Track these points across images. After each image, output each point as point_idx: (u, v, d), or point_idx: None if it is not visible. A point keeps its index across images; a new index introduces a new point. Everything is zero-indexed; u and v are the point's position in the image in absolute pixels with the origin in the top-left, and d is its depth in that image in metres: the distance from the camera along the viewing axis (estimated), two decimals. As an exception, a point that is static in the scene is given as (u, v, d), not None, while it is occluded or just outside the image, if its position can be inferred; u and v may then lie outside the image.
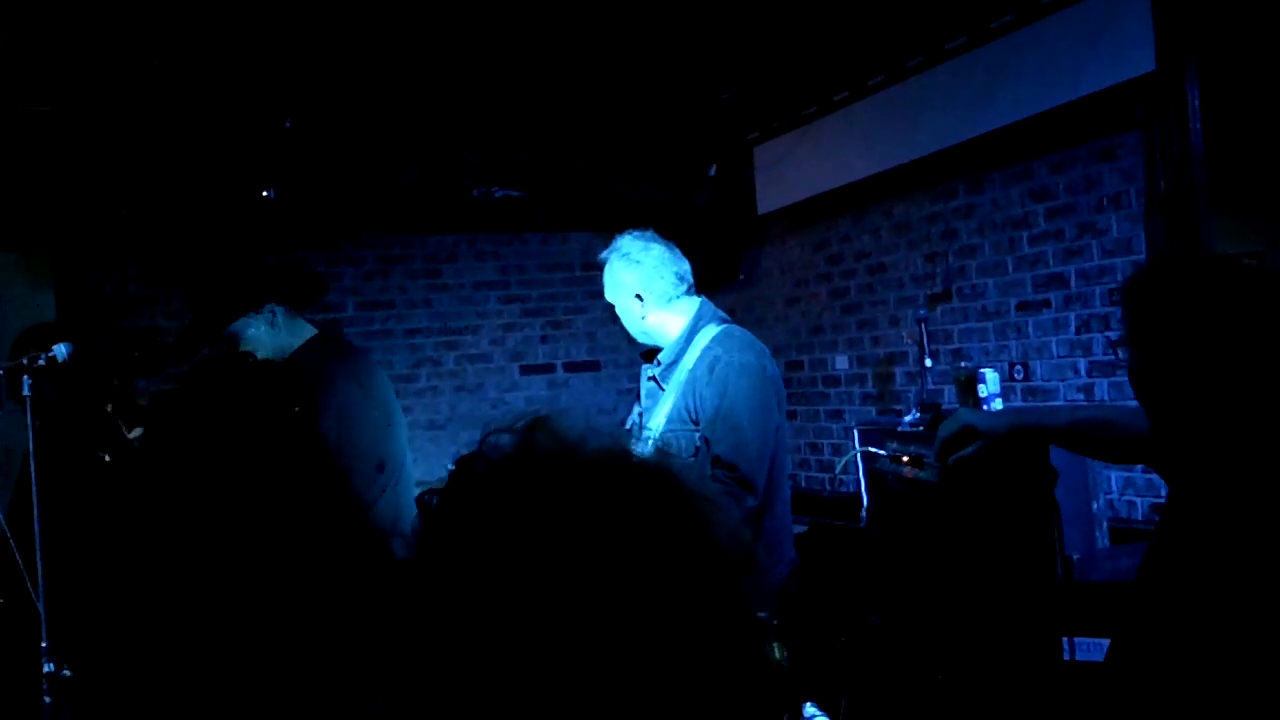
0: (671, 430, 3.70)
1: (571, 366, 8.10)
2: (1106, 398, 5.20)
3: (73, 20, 4.57)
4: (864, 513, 5.01)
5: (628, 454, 1.09)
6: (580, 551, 0.99)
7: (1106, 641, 2.66)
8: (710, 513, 1.06)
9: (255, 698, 1.95)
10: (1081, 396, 5.36)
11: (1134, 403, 2.46)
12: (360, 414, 3.74)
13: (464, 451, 1.16)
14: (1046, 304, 5.53)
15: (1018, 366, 5.67)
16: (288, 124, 5.80)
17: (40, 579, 3.62)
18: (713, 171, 7.15)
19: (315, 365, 3.74)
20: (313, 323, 3.91)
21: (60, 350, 3.85)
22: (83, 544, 3.68)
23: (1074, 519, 4.09)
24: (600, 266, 4.03)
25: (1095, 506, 4.30)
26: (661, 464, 1.09)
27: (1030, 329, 5.65)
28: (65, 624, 3.57)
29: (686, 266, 3.91)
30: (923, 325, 5.72)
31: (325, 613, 1.96)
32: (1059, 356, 5.49)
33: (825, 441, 7.24)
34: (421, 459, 7.24)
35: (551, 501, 1.03)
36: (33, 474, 3.69)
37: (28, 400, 3.85)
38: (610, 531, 1.01)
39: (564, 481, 1.04)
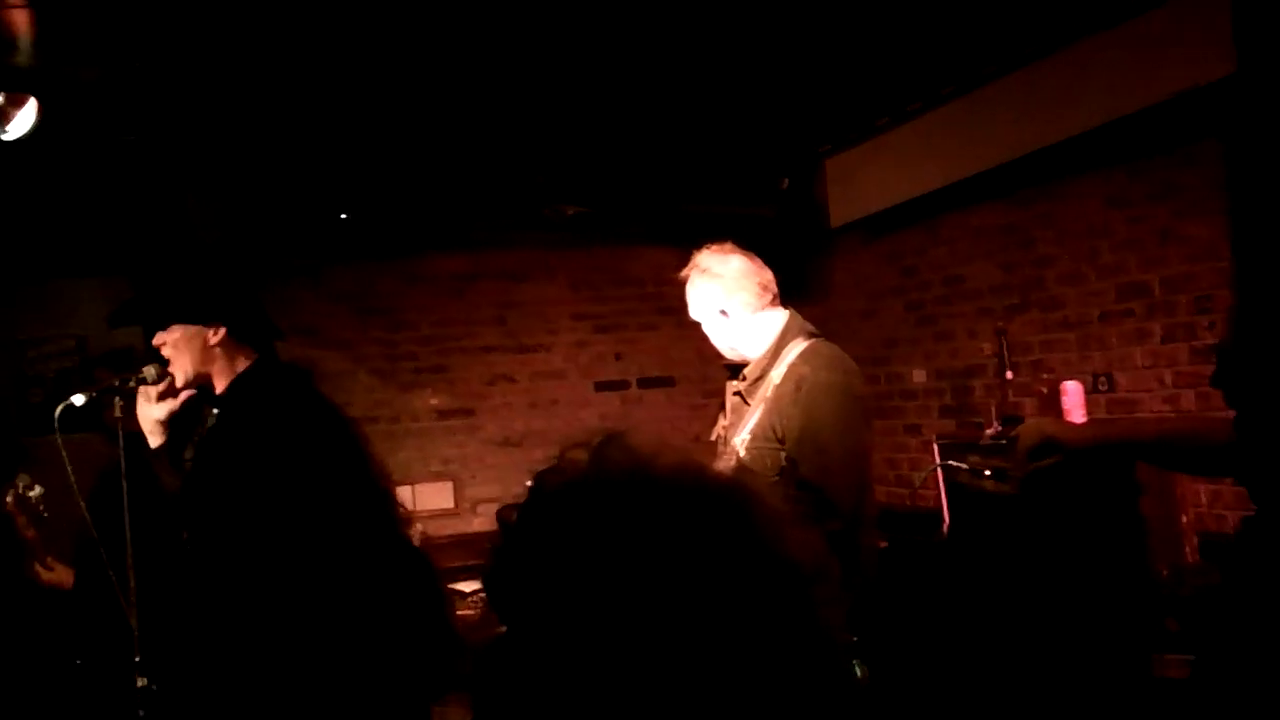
0: (756, 447, 3.62)
1: (645, 382, 8.08)
2: (1193, 409, 5.08)
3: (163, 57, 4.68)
4: (945, 527, 4.95)
5: (701, 470, 1.10)
6: (652, 567, 1.00)
7: (1193, 658, 2.59)
8: (783, 529, 1.06)
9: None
10: (1167, 408, 5.25)
11: (1222, 414, 2.39)
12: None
13: (539, 468, 1.18)
14: (1130, 313, 5.43)
15: (1100, 377, 5.57)
16: (363, 148, 5.87)
17: (132, 595, 3.66)
18: (784, 185, 7.11)
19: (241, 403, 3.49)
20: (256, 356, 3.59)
21: (150, 372, 3.91)
22: (167, 562, 3.72)
23: (1161, 533, 4.00)
24: (672, 282, 3.98)
25: (1184, 520, 4.20)
26: (736, 480, 1.09)
27: (1113, 339, 5.54)
28: (152, 639, 3.61)
29: (769, 276, 3.82)
30: (1001, 337, 5.64)
31: (381, 624, 1.96)
32: (1143, 367, 5.38)
33: (902, 456, 7.16)
34: (496, 475, 7.28)
35: (624, 518, 1.04)
36: (124, 492, 3.73)
37: (119, 421, 3.90)
38: (681, 548, 1.01)
39: (637, 498, 1.05)
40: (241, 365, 3.49)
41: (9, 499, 4.06)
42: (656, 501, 1.04)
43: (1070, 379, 5.13)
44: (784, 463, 3.54)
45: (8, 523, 4.04)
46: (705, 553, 1.00)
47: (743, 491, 1.07)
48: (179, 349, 3.47)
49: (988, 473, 3.08)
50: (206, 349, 3.46)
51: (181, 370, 3.47)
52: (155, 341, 3.50)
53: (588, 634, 0.98)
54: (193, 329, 3.46)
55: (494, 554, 1.13)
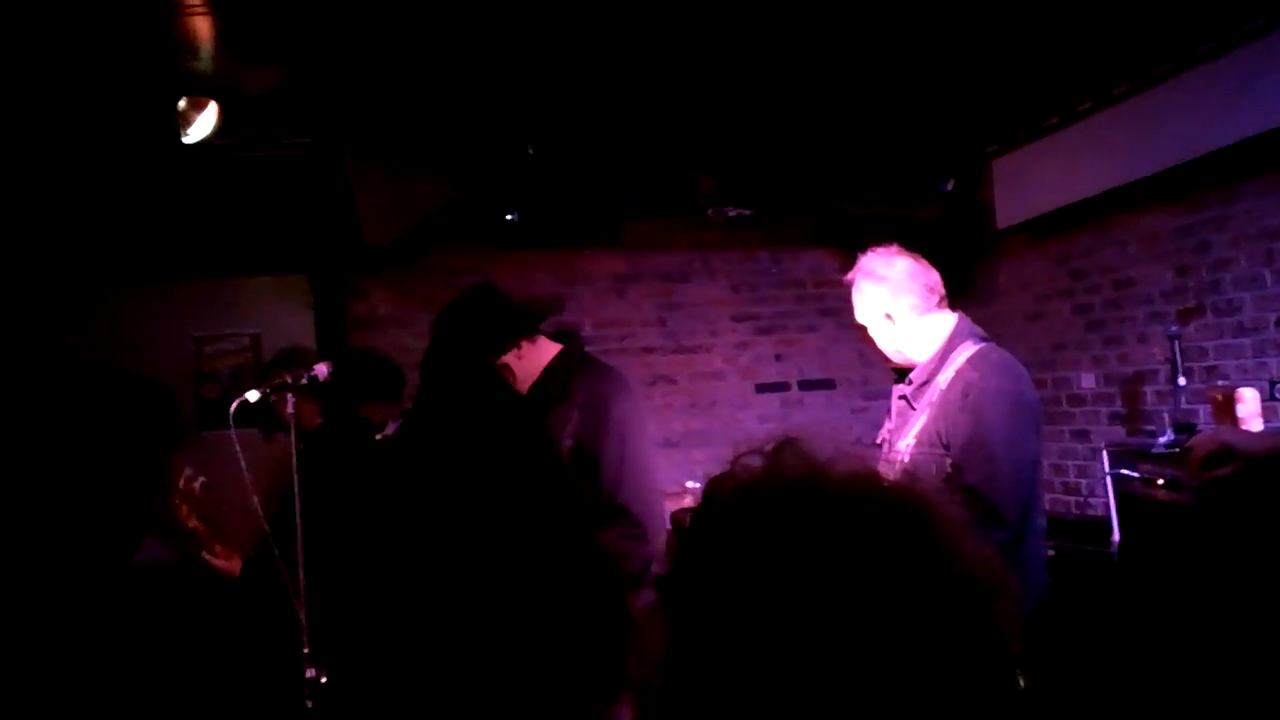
0: (920, 452, 3.56)
1: (806, 385, 8.04)
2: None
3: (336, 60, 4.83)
4: (1114, 537, 4.85)
5: (877, 478, 1.08)
6: (827, 575, 1.00)
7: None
8: (961, 541, 1.05)
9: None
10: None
11: None
12: (640, 425, 3.93)
13: (699, 469, 1.17)
14: (1309, 318, 5.24)
15: (1278, 385, 5.38)
16: (530, 150, 5.95)
17: (302, 588, 3.78)
18: (949, 185, 7.00)
19: (565, 383, 3.83)
20: (554, 338, 3.98)
21: (321, 370, 4.04)
22: (339, 554, 3.82)
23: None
24: (833, 283, 3.95)
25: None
26: (911, 489, 1.08)
27: (1290, 345, 5.36)
28: (323, 631, 3.72)
29: (936, 277, 3.74)
30: (1175, 342, 5.48)
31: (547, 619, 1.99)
32: (1322, 374, 5.19)
33: (1070, 463, 7.01)
34: (658, 475, 7.31)
35: (799, 524, 1.03)
36: (296, 488, 3.86)
37: (292, 418, 4.04)
38: (857, 557, 1.01)
39: (812, 505, 1.05)
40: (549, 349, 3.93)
41: None
42: (833, 510, 1.03)
43: (1246, 386, 4.97)
44: (949, 469, 3.47)
45: (171, 515, 4.17)
46: (882, 563, 0.99)
47: (920, 502, 1.06)
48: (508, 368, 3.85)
49: (1161, 482, 3.01)
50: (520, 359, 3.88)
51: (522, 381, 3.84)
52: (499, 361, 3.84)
53: (762, 640, 0.99)
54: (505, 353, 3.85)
55: (669, 558, 1.13)
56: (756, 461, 1.13)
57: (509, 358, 3.86)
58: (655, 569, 3.79)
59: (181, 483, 4.22)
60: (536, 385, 3.85)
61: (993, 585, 1.05)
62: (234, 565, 4.26)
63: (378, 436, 4.91)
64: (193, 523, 4.23)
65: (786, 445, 1.12)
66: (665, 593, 1.12)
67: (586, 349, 4.19)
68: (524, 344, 3.88)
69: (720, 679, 1.01)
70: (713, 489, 1.15)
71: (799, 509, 1.05)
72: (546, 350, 3.94)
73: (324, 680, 3.71)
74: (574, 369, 3.93)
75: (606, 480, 3.70)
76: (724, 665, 1.01)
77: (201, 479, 4.28)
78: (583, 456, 3.73)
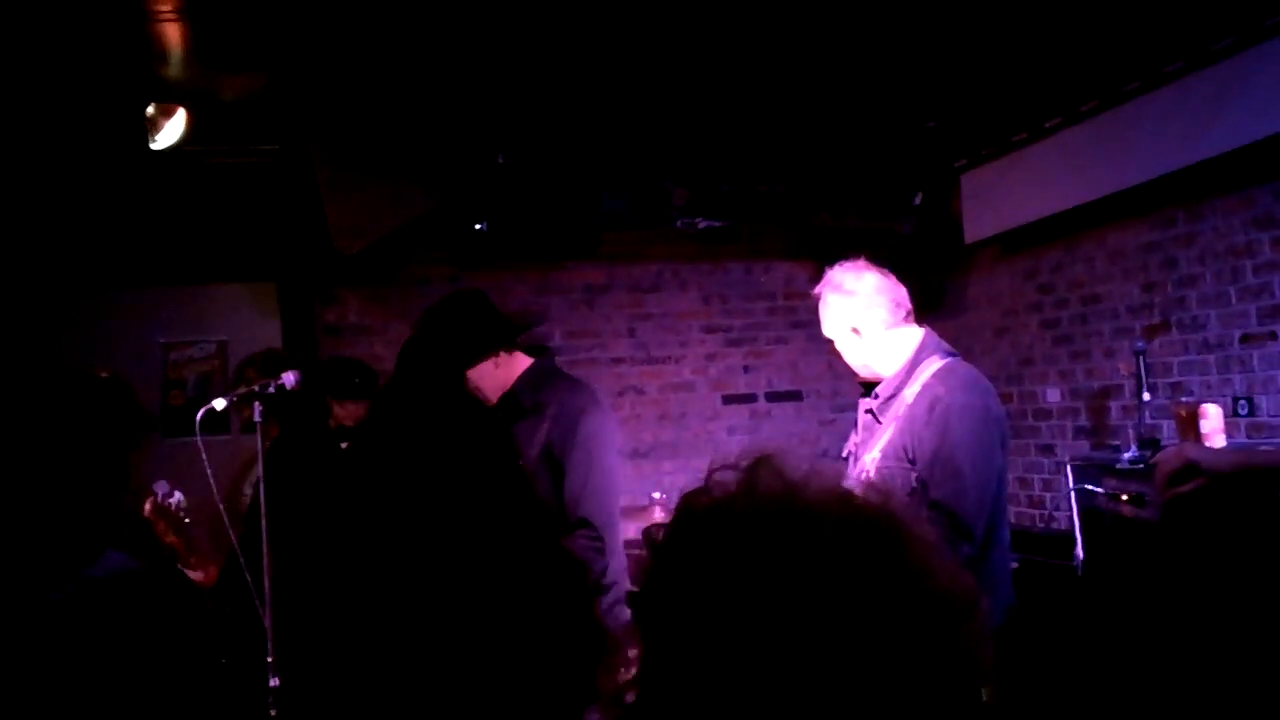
0: (886, 466, 3.57)
1: (773, 396, 8.06)
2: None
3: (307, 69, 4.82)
4: (1078, 551, 4.87)
5: (852, 496, 1.08)
6: (802, 593, 1.00)
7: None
8: (934, 559, 1.05)
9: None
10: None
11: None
12: (611, 440, 3.96)
13: (667, 480, 1.17)
14: (1272, 335, 5.29)
15: (1242, 401, 5.43)
16: (500, 159, 5.95)
17: (268, 596, 3.76)
18: (918, 200, 7.03)
19: (536, 394, 3.84)
20: (527, 351, 4.00)
21: (289, 378, 4.02)
22: (303, 562, 3.80)
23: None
24: (803, 295, 3.97)
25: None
26: (886, 507, 1.08)
27: (1255, 362, 5.41)
28: (285, 637, 3.70)
29: (904, 293, 3.75)
30: (1140, 357, 5.52)
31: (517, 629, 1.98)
32: (1286, 391, 5.24)
33: (1035, 476, 7.05)
34: (625, 486, 7.29)
35: (774, 542, 1.03)
36: (261, 497, 3.84)
37: (258, 426, 4.02)
38: (832, 575, 1.00)
39: (788, 522, 1.04)
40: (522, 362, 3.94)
41: (148, 506, 4.16)
42: (808, 527, 1.03)
43: (1210, 402, 5.00)
44: (915, 484, 3.49)
45: (147, 530, 4.15)
46: (857, 581, 0.99)
47: (894, 520, 1.06)
48: (475, 380, 3.85)
49: (1125, 497, 3.03)
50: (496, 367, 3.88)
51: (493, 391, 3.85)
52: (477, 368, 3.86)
53: (737, 657, 0.98)
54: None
55: (641, 574, 1.13)
56: (731, 477, 1.13)
57: (486, 366, 3.86)
58: (618, 583, 3.82)
59: (157, 500, 4.20)
60: (508, 395, 3.85)
61: (966, 604, 1.05)
62: (210, 575, 4.24)
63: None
64: (169, 538, 4.20)
65: (762, 462, 1.12)
66: (639, 608, 1.12)
67: (557, 359, 4.22)
68: (502, 354, 3.89)
69: (695, 695, 1.01)
70: (688, 504, 1.14)
71: (775, 526, 1.04)
72: (520, 362, 3.95)
73: (277, 686, 3.69)
74: (546, 381, 3.95)
75: (571, 492, 3.71)
76: (699, 681, 1.01)
77: (178, 495, 4.27)
78: (549, 467, 3.74)
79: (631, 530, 7.10)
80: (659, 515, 5.76)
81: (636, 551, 5.88)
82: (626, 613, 4.25)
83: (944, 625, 1.02)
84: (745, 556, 1.03)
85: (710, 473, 1.15)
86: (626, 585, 3.97)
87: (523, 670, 1.72)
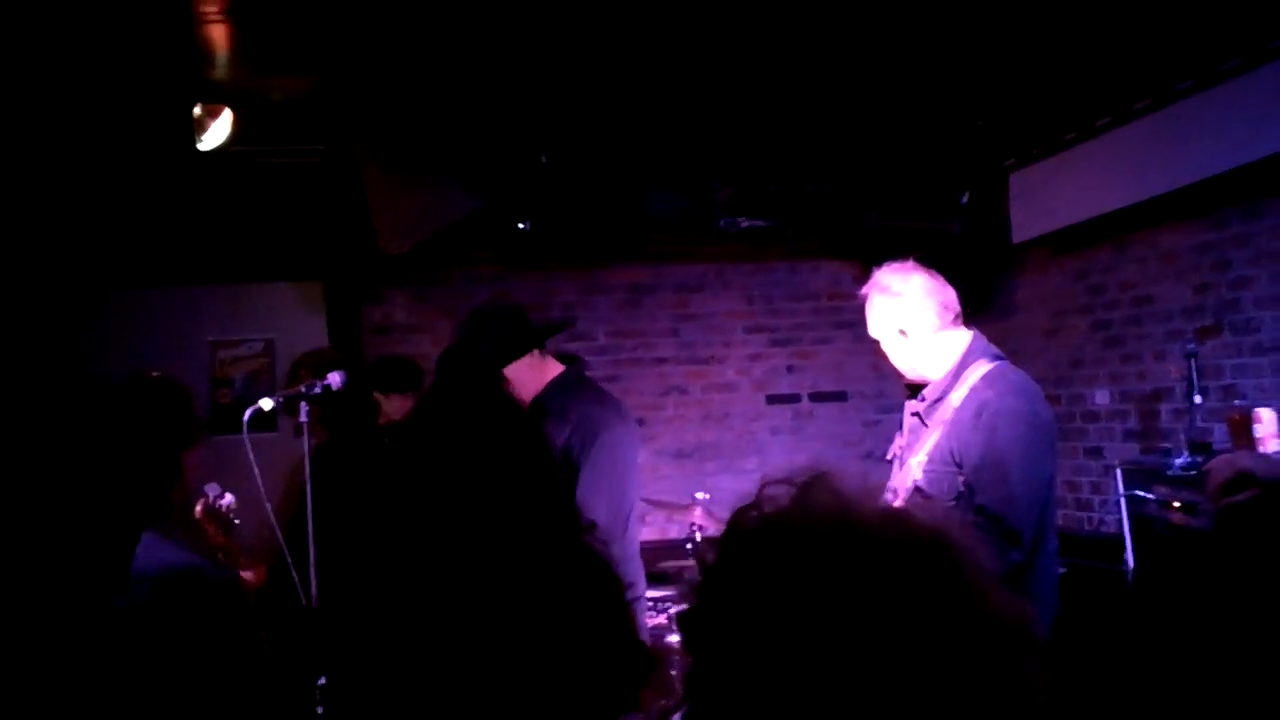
0: (932, 470, 3.53)
1: (817, 396, 8.01)
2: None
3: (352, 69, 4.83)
4: (1128, 558, 4.81)
5: (909, 518, 1.06)
6: (857, 614, 0.98)
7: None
8: (991, 587, 1.03)
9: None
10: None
11: None
12: (630, 453, 3.95)
13: (710, 480, 1.16)
14: (1329, 339, 5.21)
15: (1295, 406, 5.34)
16: (543, 158, 5.95)
17: (315, 594, 3.78)
18: (965, 199, 6.97)
19: (563, 400, 3.85)
20: (558, 358, 4.02)
21: (334, 379, 4.04)
22: (349, 564, 3.82)
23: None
24: (848, 295, 3.94)
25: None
26: (942, 532, 1.06)
27: (1311, 366, 5.32)
28: (332, 637, 3.71)
29: (952, 295, 3.70)
30: (1191, 360, 5.44)
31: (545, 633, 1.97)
32: (1342, 396, 5.15)
33: (1083, 479, 6.97)
34: (669, 486, 7.28)
35: (830, 562, 1.02)
36: (308, 496, 3.85)
37: (305, 426, 4.04)
38: (888, 597, 0.99)
39: (844, 542, 1.03)
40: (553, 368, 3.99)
41: (199, 508, 4.18)
42: (865, 549, 1.02)
43: (1263, 406, 4.93)
44: (961, 488, 3.45)
45: (198, 533, 4.17)
46: (913, 604, 0.98)
47: (950, 545, 1.04)
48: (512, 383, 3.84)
49: (1176, 505, 2.97)
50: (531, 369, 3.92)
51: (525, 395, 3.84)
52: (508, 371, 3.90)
53: (787, 679, 0.97)
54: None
55: (691, 594, 1.11)
56: (783, 492, 1.11)
57: (520, 368, 3.88)
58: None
59: (209, 502, 4.23)
60: (537, 400, 3.87)
61: (1022, 632, 1.03)
62: (259, 576, 4.27)
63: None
64: (221, 540, 4.23)
65: (817, 480, 1.10)
66: (688, 627, 1.11)
67: (601, 357, 4.25)
68: (535, 358, 3.91)
69: (744, 715, 0.99)
70: (739, 520, 1.13)
71: (830, 546, 1.03)
72: (552, 369, 3.98)
73: (324, 684, 3.70)
74: (574, 389, 3.99)
75: (582, 494, 3.70)
76: (750, 703, 1.00)
77: (229, 497, 4.29)
78: (565, 469, 3.75)
79: (674, 530, 7.12)
80: (699, 515, 5.74)
81: (680, 563, 5.85)
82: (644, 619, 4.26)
83: (1000, 650, 1.00)
84: (800, 574, 1.01)
85: (762, 487, 1.13)
86: (642, 590, 4.03)
87: (558, 670, 1.72)
